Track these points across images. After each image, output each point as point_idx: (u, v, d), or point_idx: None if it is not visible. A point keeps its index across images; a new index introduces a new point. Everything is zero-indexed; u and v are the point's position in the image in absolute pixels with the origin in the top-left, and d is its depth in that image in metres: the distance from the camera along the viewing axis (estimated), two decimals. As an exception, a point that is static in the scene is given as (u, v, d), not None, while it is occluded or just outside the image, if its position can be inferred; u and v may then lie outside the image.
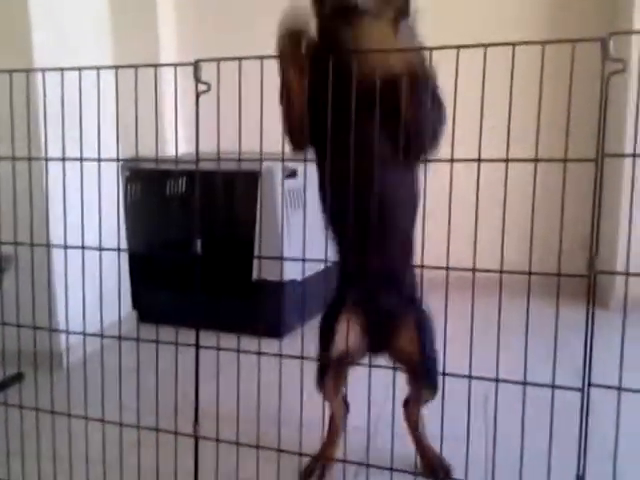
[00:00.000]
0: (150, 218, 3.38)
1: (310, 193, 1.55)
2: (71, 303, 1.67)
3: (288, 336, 2.95)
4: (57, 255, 2.44)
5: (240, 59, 1.23)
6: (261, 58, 1.19)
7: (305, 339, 1.43)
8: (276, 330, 3.00)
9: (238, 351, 1.34)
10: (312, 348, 1.43)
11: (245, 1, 3.91)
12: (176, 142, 1.63)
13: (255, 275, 3.16)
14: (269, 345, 1.39)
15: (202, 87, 1.23)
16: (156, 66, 1.33)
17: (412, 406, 1.67)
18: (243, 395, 1.45)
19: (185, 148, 3.45)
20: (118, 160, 3.06)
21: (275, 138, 1.36)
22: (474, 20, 3.46)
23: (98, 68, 1.42)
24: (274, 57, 1.21)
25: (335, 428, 1.69)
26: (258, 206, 3.10)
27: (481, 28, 3.34)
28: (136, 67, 1.33)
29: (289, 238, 3.07)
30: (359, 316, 1.50)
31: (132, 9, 3.83)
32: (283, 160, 1.34)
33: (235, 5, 3.95)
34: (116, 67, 1.41)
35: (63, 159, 1.53)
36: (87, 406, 1.56)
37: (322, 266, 2.58)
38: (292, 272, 3.11)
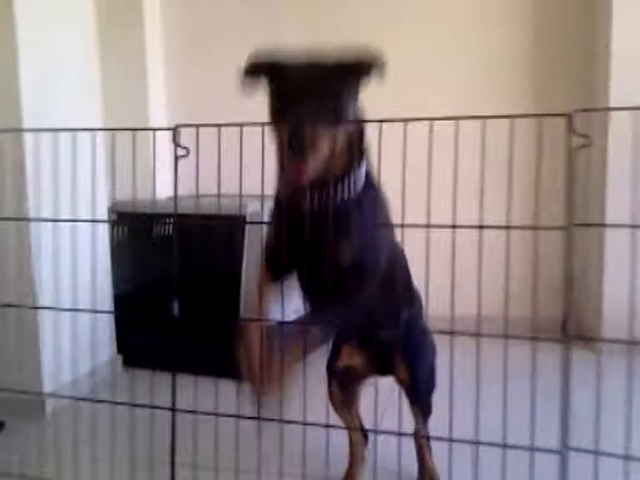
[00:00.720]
0: (136, 261, 3.39)
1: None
2: (54, 351, 1.67)
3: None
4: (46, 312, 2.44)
5: (219, 126, 1.27)
6: (240, 125, 1.24)
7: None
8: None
9: (216, 415, 1.35)
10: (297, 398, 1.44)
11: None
12: (175, 186, 1.65)
13: (243, 315, 3.16)
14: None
15: (181, 151, 1.27)
16: (135, 130, 1.37)
17: (420, 449, 1.76)
18: (224, 451, 1.45)
19: (171, 192, 3.49)
20: (109, 221, 3.11)
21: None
22: (447, 93, 3.51)
23: (94, 130, 1.46)
24: (254, 124, 1.25)
25: (355, 457, 1.73)
26: (245, 249, 3.13)
27: (454, 102, 3.39)
28: (114, 130, 1.38)
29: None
30: (359, 349, 1.66)
31: (122, 73, 3.88)
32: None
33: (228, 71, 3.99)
34: (102, 130, 1.45)
35: (55, 220, 1.55)
36: (64, 462, 1.55)
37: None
38: (278, 315, 3.11)
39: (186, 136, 1.35)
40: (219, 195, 1.45)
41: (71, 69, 2.71)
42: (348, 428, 1.74)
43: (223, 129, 1.33)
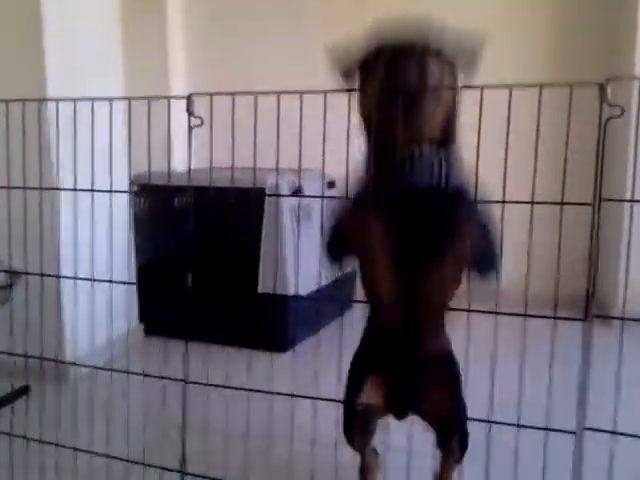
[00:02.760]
0: (158, 231, 3.41)
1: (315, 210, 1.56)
2: (79, 321, 1.69)
3: (290, 351, 2.96)
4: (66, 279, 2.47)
5: (234, 94, 1.25)
6: (255, 94, 1.21)
7: (304, 356, 1.43)
8: (280, 344, 3.02)
9: (225, 387, 1.35)
10: (310, 366, 1.43)
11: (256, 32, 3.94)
12: (189, 157, 1.63)
13: (260, 288, 3.17)
14: (274, 359, 1.39)
15: (195, 121, 1.25)
16: (149, 98, 1.34)
17: (443, 471, 1.52)
18: (233, 429, 1.46)
19: (193, 165, 3.49)
20: (130, 192, 3.13)
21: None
22: None
23: (110, 99, 1.44)
24: (266, 93, 1.22)
25: None
26: (264, 221, 3.12)
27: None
28: (129, 99, 1.36)
29: (294, 253, 3.09)
30: (384, 382, 1.40)
31: (143, 39, 3.87)
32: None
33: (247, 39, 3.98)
34: (118, 99, 1.44)
35: (75, 189, 1.55)
36: (79, 431, 1.58)
37: (326, 281, 2.57)
38: (297, 286, 3.12)
39: (203, 108, 1.32)
40: (233, 167, 1.42)
41: (94, 42, 2.71)
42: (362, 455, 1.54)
43: (240, 100, 1.30)
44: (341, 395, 1.38)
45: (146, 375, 1.43)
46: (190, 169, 1.36)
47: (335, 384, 1.36)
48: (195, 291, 1.42)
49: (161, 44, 3.96)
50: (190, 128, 1.26)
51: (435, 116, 1.16)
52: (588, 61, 3.23)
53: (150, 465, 1.43)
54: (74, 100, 1.41)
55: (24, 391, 2.34)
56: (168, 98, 1.35)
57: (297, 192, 3.14)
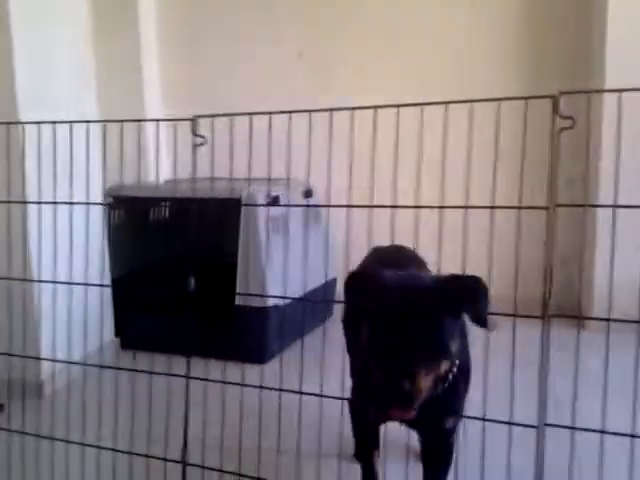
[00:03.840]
0: (133, 244, 3.42)
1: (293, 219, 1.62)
2: (52, 334, 1.72)
3: (271, 362, 2.99)
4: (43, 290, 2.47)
5: (232, 115, 1.32)
6: (250, 114, 1.28)
7: (286, 366, 1.49)
8: (259, 356, 3.04)
9: (223, 382, 1.40)
10: (292, 374, 1.47)
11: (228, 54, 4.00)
12: (193, 173, 1.67)
13: (237, 300, 3.20)
14: (252, 371, 1.44)
15: (200, 140, 1.32)
16: (158, 121, 1.41)
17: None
18: (229, 422, 1.50)
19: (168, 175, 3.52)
20: (104, 204, 3.15)
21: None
22: (437, 72, 3.53)
23: (88, 122, 1.49)
24: (261, 113, 1.29)
25: None
26: (240, 232, 3.16)
27: (441, 85, 3.44)
28: (122, 121, 1.42)
29: (271, 264, 3.12)
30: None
31: (117, 60, 3.90)
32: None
33: (219, 57, 4.03)
34: (112, 121, 1.48)
35: (55, 202, 1.58)
36: (69, 433, 1.60)
37: (303, 292, 2.61)
38: (274, 298, 3.15)
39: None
40: (212, 178, 1.47)
41: (65, 60, 2.72)
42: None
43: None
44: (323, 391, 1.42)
45: (154, 373, 1.45)
46: (194, 180, 1.41)
47: (318, 385, 1.41)
48: (173, 303, 1.45)
49: (135, 59, 3.99)
50: (194, 147, 1.33)
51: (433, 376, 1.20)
52: (550, 74, 3.35)
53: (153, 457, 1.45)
54: (54, 122, 1.45)
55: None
56: (174, 120, 1.39)
57: (274, 202, 3.18)
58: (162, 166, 2.79)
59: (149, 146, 1.72)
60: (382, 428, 1.54)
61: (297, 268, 1.55)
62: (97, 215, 2.77)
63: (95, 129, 1.64)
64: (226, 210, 3.30)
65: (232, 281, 3.18)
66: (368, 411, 1.45)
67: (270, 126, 1.34)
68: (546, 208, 1.15)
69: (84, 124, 1.48)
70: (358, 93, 3.34)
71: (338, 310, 1.52)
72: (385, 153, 1.39)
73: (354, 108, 1.22)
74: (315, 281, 3.27)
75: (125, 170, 1.55)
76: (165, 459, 1.45)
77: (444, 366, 1.20)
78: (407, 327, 1.14)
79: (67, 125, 1.45)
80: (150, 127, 1.76)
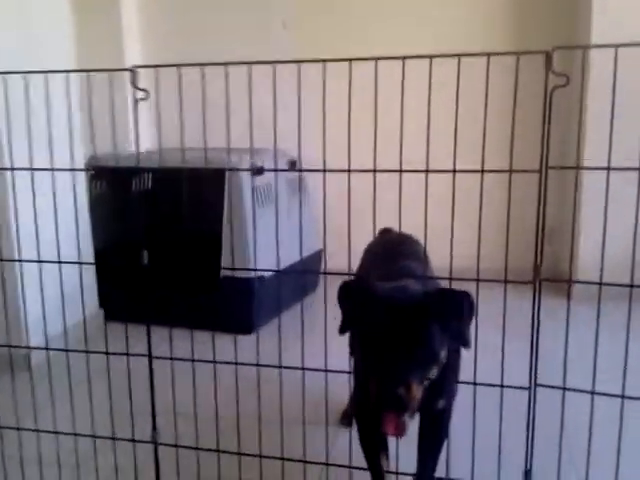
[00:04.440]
0: (114, 216, 3.35)
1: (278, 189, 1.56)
2: (36, 307, 1.66)
3: (256, 333, 2.97)
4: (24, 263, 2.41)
5: (179, 66, 1.23)
6: (201, 65, 1.20)
7: (270, 338, 1.45)
8: (245, 327, 3.02)
9: (193, 360, 1.36)
10: (275, 346, 1.44)
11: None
12: (135, 132, 1.61)
13: (223, 272, 3.16)
14: (239, 342, 1.40)
15: (141, 94, 1.23)
16: (89, 71, 1.32)
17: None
18: (205, 397, 1.46)
19: (149, 145, 3.44)
20: (87, 170, 3.05)
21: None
22: (424, 30, 3.45)
23: (67, 71, 1.40)
24: (215, 64, 1.21)
25: None
26: (225, 203, 3.10)
27: (431, 39, 3.35)
28: (68, 72, 1.34)
29: (256, 235, 3.08)
30: None
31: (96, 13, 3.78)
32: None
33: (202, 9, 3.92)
34: (63, 71, 1.41)
35: (32, 169, 1.50)
36: (42, 412, 1.56)
37: (289, 263, 2.58)
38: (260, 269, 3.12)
39: (151, 81, 1.30)
40: (182, 139, 1.41)
41: (45, 11, 2.62)
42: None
43: (190, 72, 1.29)
44: (304, 364, 1.40)
45: (111, 353, 1.42)
46: (137, 137, 1.34)
47: (299, 358, 1.38)
48: (156, 275, 1.40)
49: (115, 14, 3.88)
50: (136, 101, 1.24)
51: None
52: (540, 29, 3.28)
53: (121, 439, 1.43)
54: (25, 73, 1.36)
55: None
56: (109, 71, 1.31)
57: (258, 172, 3.12)
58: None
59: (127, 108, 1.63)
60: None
61: (283, 240, 1.50)
62: (76, 181, 2.70)
63: (72, 94, 1.57)
64: (210, 181, 3.24)
65: (217, 253, 3.14)
66: (371, 419, 1.45)
67: (227, 79, 1.27)
68: (538, 171, 1.12)
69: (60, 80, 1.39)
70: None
71: (323, 283, 1.48)
72: (368, 114, 1.34)
73: (324, 60, 1.16)
74: (300, 252, 3.24)
75: (101, 132, 1.48)
76: (133, 440, 1.42)
77: (434, 371, 1.24)
78: (397, 335, 1.18)
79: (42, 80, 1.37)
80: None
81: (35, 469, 1.59)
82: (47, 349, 1.52)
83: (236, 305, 3.11)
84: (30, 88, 1.41)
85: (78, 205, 2.39)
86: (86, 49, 3.23)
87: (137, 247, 1.44)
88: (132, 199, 3.54)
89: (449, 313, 1.22)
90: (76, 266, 1.71)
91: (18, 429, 1.52)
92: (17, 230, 1.55)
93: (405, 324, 1.19)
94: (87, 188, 3.21)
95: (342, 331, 1.35)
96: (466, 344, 1.25)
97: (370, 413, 1.38)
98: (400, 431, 1.20)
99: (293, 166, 3.58)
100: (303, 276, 3.39)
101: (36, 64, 1.45)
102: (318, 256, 3.63)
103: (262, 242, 3.11)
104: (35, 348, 1.59)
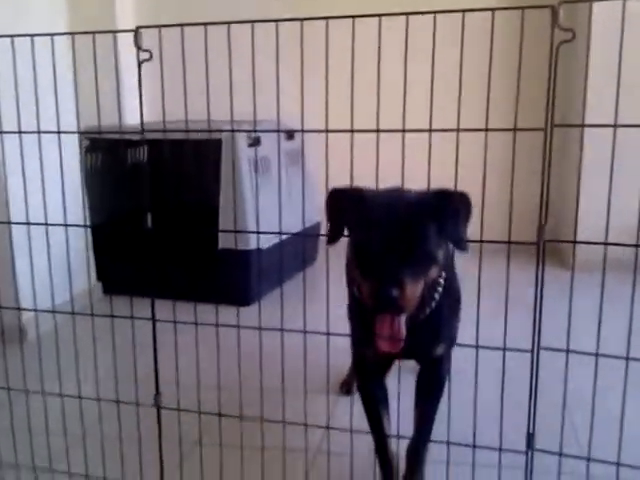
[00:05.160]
0: (111, 188, 3.32)
1: (275, 161, 1.54)
2: (33, 277, 1.64)
3: (254, 304, 2.97)
4: (17, 230, 2.39)
5: (182, 25, 1.20)
6: (204, 25, 1.17)
7: (269, 308, 1.44)
8: (244, 298, 3.01)
9: (196, 324, 1.35)
10: (275, 315, 1.44)
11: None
12: (140, 96, 1.57)
13: (221, 244, 3.14)
14: (235, 313, 1.39)
15: (144, 55, 1.20)
16: (94, 33, 1.28)
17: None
18: (208, 365, 1.46)
19: (145, 117, 3.39)
20: (79, 132, 3.00)
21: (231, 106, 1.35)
22: None
23: (52, 35, 1.36)
24: (217, 24, 1.18)
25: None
26: (222, 174, 3.07)
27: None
28: (72, 34, 1.30)
29: (254, 206, 3.06)
30: None
31: None
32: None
33: None
34: (60, 34, 1.37)
35: (20, 132, 1.47)
36: (47, 380, 1.56)
37: (287, 235, 2.56)
38: (257, 240, 3.10)
39: (153, 44, 1.27)
40: (185, 103, 1.38)
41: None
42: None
43: (191, 35, 1.25)
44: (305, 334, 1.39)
45: (116, 316, 1.41)
46: (141, 102, 1.31)
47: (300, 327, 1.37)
48: (154, 247, 1.38)
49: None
50: (139, 63, 1.21)
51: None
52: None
53: (125, 402, 1.43)
54: (11, 36, 1.33)
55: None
56: (114, 32, 1.29)
57: (255, 143, 3.09)
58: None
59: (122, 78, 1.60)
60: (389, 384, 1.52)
61: (281, 211, 1.48)
62: (72, 152, 2.66)
63: (62, 58, 1.53)
64: (207, 152, 3.21)
65: (214, 225, 3.12)
66: (366, 351, 1.43)
67: (229, 38, 1.23)
68: (543, 129, 1.09)
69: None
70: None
71: (322, 256, 1.46)
72: (370, 75, 1.31)
73: (326, 18, 1.13)
74: (298, 225, 3.23)
75: (93, 100, 1.45)
76: (137, 404, 1.42)
77: (432, 273, 1.21)
78: (391, 235, 1.14)
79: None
80: (124, 54, 1.64)
81: (42, 438, 1.59)
82: (54, 312, 1.51)
83: (234, 277, 3.10)
84: (17, 55, 1.37)
85: (73, 176, 2.36)
86: (76, 12, 3.16)
87: (139, 214, 1.42)
88: (128, 171, 3.52)
89: (445, 213, 1.18)
90: (73, 238, 1.69)
91: (26, 391, 1.52)
92: (6, 194, 1.52)
93: (398, 223, 1.16)
94: (82, 161, 3.18)
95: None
96: (463, 247, 1.22)
97: (364, 345, 1.36)
98: (395, 334, 1.17)
99: (291, 137, 3.54)
100: (302, 248, 3.38)
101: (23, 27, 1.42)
102: (317, 229, 3.62)
103: (260, 214, 3.10)
104: (43, 311, 1.57)
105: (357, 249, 1.23)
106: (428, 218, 1.17)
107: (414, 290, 1.16)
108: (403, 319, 1.18)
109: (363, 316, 1.30)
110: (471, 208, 1.22)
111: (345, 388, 2.09)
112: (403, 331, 1.18)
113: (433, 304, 1.32)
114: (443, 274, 1.34)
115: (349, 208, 1.24)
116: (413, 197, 1.22)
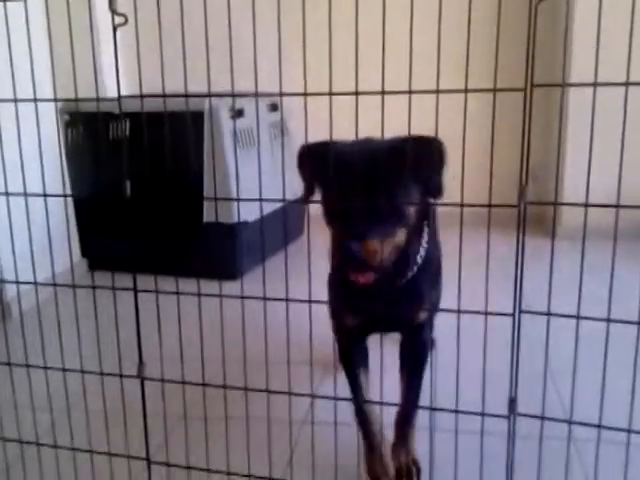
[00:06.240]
0: (92, 163, 3.27)
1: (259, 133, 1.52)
2: (16, 252, 1.62)
3: (243, 278, 2.95)
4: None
5: None
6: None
7: (255, 282, 1.43)
8: (230, 272, 3.00)
9: (177, 293, 1.33)
10: (261, 290, 1.43)
11: None
12: (116, 63, 1.52)
13: (206, 217, 3.12)
14: (224, 288, 1.37)
15: (119, 19, 1.16)
16: None
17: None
18: (192, 338, 1.45)
19: (123, 90, 3.33)
20: (56, 100, 2.93)
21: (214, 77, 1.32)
22: None
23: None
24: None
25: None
26: (205, 147, 3.04)
27: None
28: None
29: (238, 179, 3.03)
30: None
31: None
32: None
33: None
34: None
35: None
36: (31, 356, 1.55)
37: (272, 209, 2.54)
38: (243, 214, 3.08)
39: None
40: (162, 71, 1.35)
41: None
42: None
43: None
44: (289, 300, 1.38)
45: (95, 287, 1.39)
46: (117, 70, 1.27)
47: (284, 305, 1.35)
48: (139, 222, 1.36)
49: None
50: (114, 28, 1.17)
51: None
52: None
53: (110, 374, 1.42)
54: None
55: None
56: None
57: (239, 115, 3.05)
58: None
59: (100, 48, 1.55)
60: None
61: (266, 184, 1.46)
62: (52, 127, 2.61)
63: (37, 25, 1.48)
64: (189, 126, 3.16)
65: (199, 199, 3.10)
66: (344, 319, 1.42)
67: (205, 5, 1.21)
68: (522, 90, 1.07)
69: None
70: None
71: (312, 230, 1.45)
72: (345, 27, 1.27)
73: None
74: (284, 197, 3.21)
75: (68, 69, 1.41)
76: (121, 375, 1.41)
77: (401, 234, 1.18)
78: (360, 190, 1.12)
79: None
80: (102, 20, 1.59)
81: (28, 413, 1.59)
82: (35, 284, 1.48)
83: (220, 251, 3.09)
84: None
85: (54, 151, 2.31)
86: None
87: (119, 183, 1.39)
88: (110, 145, 3.46)
89: (417, 160, 1.16)
90: (54, 214, 1.66)
91: (9, 364, 1.50)
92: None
93: (365, 173, 1.14)
94: (63, 135, 3.13)
95: (305, 199, 1.29)
96: (439, 194, 1.20)
97: (341, 309, 1.37)
98: (366, 278, 1.17)
99: (275, 109, 3.50)
100: (287, 221, 3.36)
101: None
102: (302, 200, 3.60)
103: (244, 186, 3.08)
104: (24, 283, 1.55)
105: (325, 203, 1.21)
106: (398, 166, 1.15)
107: (386, 243, 1.14)
108: (369, 274, 1.17)
109: (342, 284, 1.29)
110: (445, 154, 1.20)
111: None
112: (372, 277, 1.17)
113: (415, 268, 1.32)
114: (425, 237, 1.33)
115: (317, 163, 1.22)
116: (382, 145, 1.20)
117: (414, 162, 1.15)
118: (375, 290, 1.27)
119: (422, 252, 1.32)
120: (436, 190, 1.20)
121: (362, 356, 1.53)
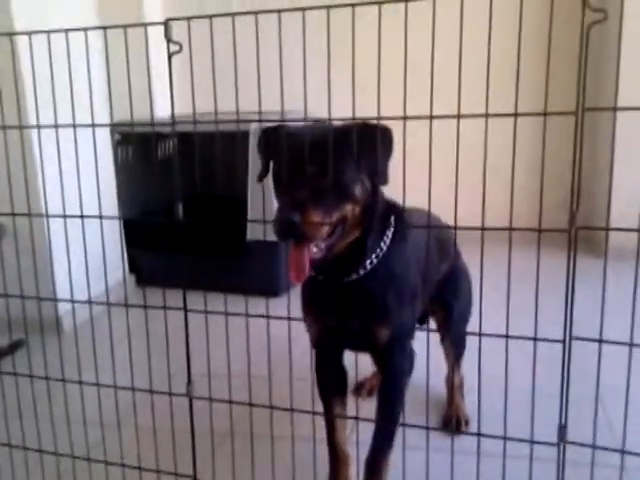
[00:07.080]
0: (142, 181, 3.37)
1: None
2: (66, 271, 1.67)
3: (284, 295, 2.98)
4: (52, 224, 2.43)
5: (211, 17, 1.20)
6: (232, 15, 1.17)
7: (298, 299, 1.45)
8: (273, 289, 3.03)
9: (226, 314, 1.36)
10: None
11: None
12: (170, 87, 1.56)
13: (249, 235, 3.16)
14: (265, 304, 1.39)
15: (174, 47, 1.21)
16: (125, 27, 1.29)
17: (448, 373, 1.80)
18: (238, 355, 1.47)
19: (175, 110, 3.42)
20: (112, 125, 3.03)
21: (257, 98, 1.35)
22: None
23: (86, 29, 1.37)
24: (245, 14, 1.18)
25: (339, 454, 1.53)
26: (250, 166, 3.09)
27: None
28: (105, 28, 1.31)
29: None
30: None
31: None
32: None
33: None
34: (92, 29, 1.38)
35: (56, 126, 1.49)
36: (83, 371, 1.59)
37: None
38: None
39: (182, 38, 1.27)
40: (215, 94, 1.39)
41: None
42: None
43: (219, 27, 1.25)
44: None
45: (147, 307, 1.43)
46: (172, 94, 1.32)
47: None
48: (185, 239, 1.40)
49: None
50: (170, 55, 1.22)
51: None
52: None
53: (159, 392, 1.45)
54: (48, 32, 1.34)
55: (19, 344, 2.35)
56: (145, 25, 1.30)
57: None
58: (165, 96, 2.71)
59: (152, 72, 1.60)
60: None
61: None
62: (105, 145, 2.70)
63: (95, 52, 1.55)
64: (235, 144, 3.21)
65: (243, 217, 3.14)
66: (307, 315, 1.45)
67: (257, 28, 1.24)
68: (574, 113, 1.06)
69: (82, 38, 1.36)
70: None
71: None
72: (390, 54, 1.29)
73: (353, 5, 1.12)
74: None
75: (125, 93, 1.46)
76: (170, 393, 1.44)
77: (346, 209, 1.22)
78: (303, 164, 1.17)
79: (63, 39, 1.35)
80: (153, 48, 1.65)
81: (79, 427, 1.63)
82: (89, 302, 1.53)
83: (263, 268, 3.12)
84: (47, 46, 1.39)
85: (106, 170, 2.39)
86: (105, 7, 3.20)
87: (170, 205, 1.44)
88: (159, 164, 3.55)
89: (362, 144, 1.21)
90: (105, 231, 1.71)
91: (63, 381, 1.55)
92: (43, 188, 1.54)
93: (311, 153, 1.17)
94: (113, 155, 3.22)
95: (260, 177, 1.37)
96: (383, 181, 1.24)
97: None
98: (300, 267, 1.18)
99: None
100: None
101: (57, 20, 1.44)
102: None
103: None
104: (79, 302, 1.60)
105: (274, 180, 1.28)
106: (342, 148, 1.19)
107: (321, 216, 1.17)
108: (310, 249, 1.19)
109: (307, 284, 1.37)
110: (392, 142, 1.24)
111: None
112: (317, 252, 1.20)
113: (368, 266, 1.31)
114: (387, 239, 1.34)
115: (272, 142, 1.29)
116: (331, 129, 1.23)
117: (359, 145, 1.21)
118: (328, 286, 1.34)
119: (380, 252, 1.32)
120: (380, 176, 1.24)
121: (338, 379, 1.51)
